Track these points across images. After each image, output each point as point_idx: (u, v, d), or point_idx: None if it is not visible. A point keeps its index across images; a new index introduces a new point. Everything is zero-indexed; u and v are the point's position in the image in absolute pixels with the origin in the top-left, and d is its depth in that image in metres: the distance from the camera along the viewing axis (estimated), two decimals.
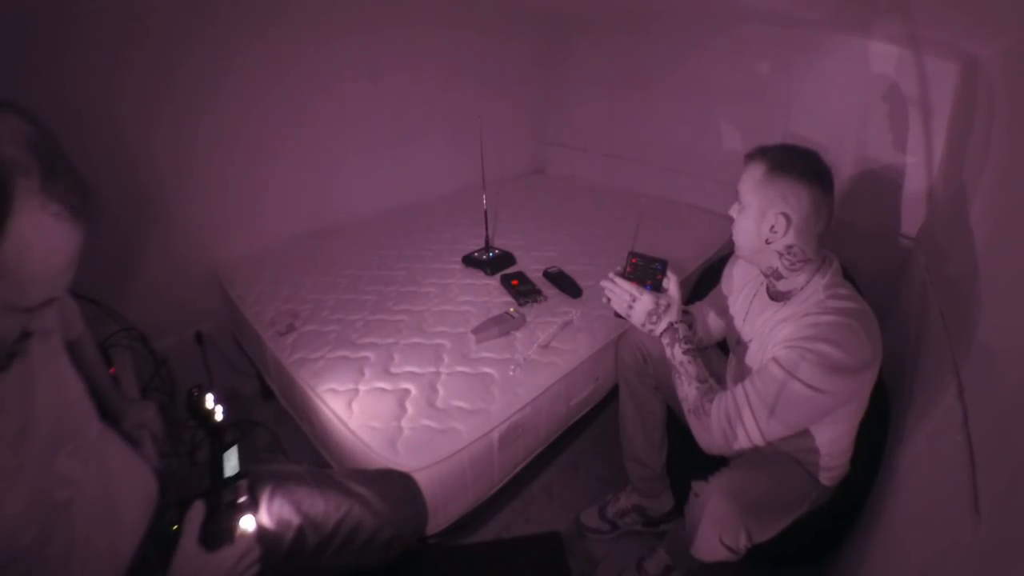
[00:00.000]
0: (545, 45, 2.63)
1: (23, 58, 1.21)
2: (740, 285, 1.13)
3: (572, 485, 1.56)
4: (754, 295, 1.06)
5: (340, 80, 1.90)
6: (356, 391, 1.19)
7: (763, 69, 1.98)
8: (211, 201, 1.68)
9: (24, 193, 0.48)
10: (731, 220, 0.99)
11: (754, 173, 0.92)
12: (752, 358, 1.01)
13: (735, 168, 0.97)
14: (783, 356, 0.86)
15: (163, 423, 0.97)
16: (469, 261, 1.75)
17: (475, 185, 1.83)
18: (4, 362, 0.58)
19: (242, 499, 0.73)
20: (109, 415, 0.91)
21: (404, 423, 1.11)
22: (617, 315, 1.09)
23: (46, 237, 0.50)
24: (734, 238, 1.00)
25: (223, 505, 0.71)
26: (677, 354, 1.02)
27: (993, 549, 0.54)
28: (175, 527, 0.68)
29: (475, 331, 1.36)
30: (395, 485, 0.99)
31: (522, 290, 1.55)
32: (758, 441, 0.88)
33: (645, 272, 1.07)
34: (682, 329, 1.05)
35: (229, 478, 0.73)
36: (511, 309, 1.44)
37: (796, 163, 0.90)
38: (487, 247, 1.78)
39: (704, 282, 1.75)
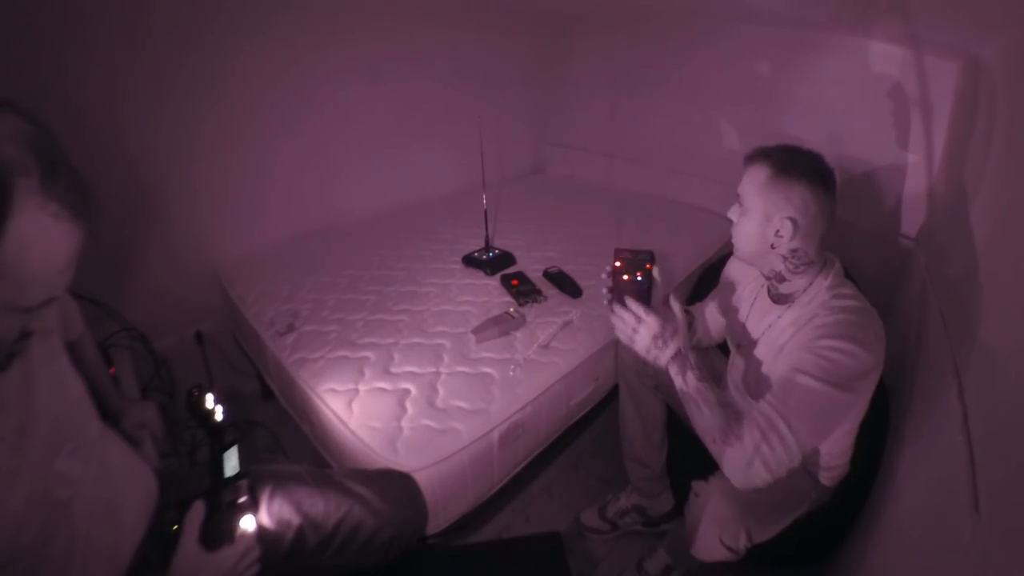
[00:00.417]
0: (545, 45, 2.63)
1: (23, 58, 1.21)
2: (740, 287, 1.12)
3: (572, 485, 1.56)
4: (755, 298, 1.06)
5: (341, 80, 1.90)
6: (356, 391, 1.19)
7: (763, 69, 1.98)
8: (211, 201, 1.69)
9: (24, 193, 0.48)
10: (730, 222, 0.98)
11: (757, 176, 0.91)
12: (756, 363, 1.00)
13: (735, 168, 0.97)
14: (805, 363, 0.83)
15: (163, 423, 0.97)
16: (469, 261, 1.75)
17: (475, 185, 1.83)
18: (4, 362, 0.58)
19: (242, 499, 0.73)
20: (109, 415, 0.91)
21: (404, 423, 1.11)
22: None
23: (46, 237, 0.50)
24: (734, 241, 0.99)
25: (223, 505, 0.71)
26: (691, 382, 0.96)
27: (993, 549, 0.54)
28: (175, 527, 0.68)
29: (475, 331, 1.36)
30: (395, 485, 0.99)
31: (522, 290, 1.55)
32: (797, 457, 0.80)
33: (633, 264, 1.07)
34: (692, 356, 1.02)
35: (229, 478, 0.73)
36: (511, 309, 1.44)
37: (801, 165, 0.89)
38: (487, 247, 1.78)
39: (704, 282, 1.75)
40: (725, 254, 1.07)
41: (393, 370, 1.25)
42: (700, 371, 0.97)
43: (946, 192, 1.41)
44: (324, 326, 1.42)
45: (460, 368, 1.26)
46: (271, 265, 1.70)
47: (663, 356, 1.02)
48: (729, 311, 1.14)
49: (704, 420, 0.91)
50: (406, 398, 1.17)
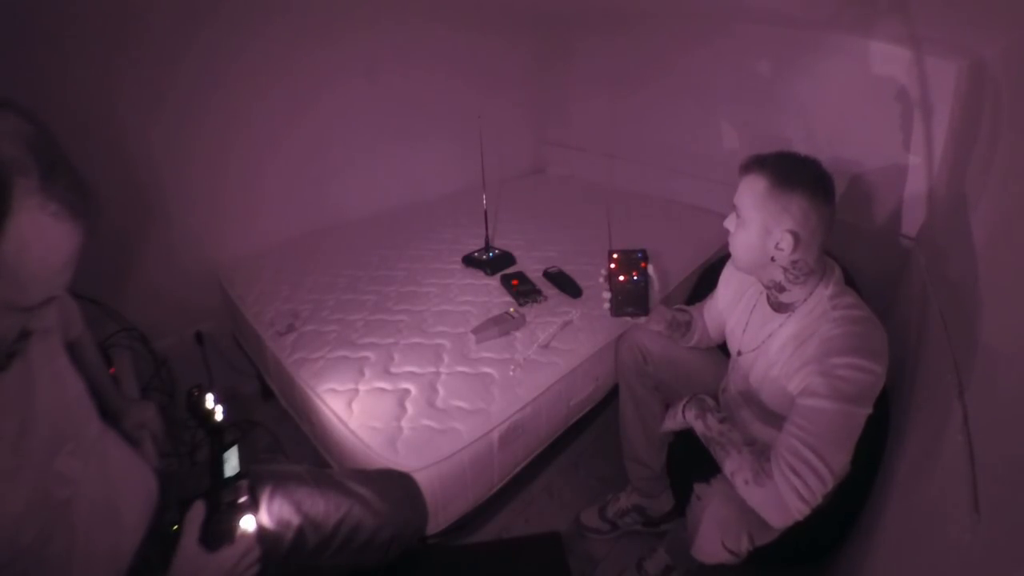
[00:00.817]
0: (545, 45, 2.63)
1: (23, 58, 1.21)
2: (739, 292, 1.11)
3: (572, 485, 1.56)
4: (754, 305, 1.05)
5: (340, 80, 1.90)
6: (356, 391, 1.19)
7: (763, 69, 1.98)
8: (211, 201, 1.69)
9: (23, 192, 0.48)
10: (727, 232, 0.96)
11: (754, 186, 0.89)
12: (757, 371, 0.99)
13: (735, 168, 0.96)
14: (820, 386, 0.81)
15: (163, 423, 0.97)
16: (469, 261, 1.75)
17: (475, 185, 1.83)
18: (4, 362, 0.58)
19: (242, 499, 0.73)
20: (109, 415, 0.91)
21: (404, 423, 1.11)
22: (614, 314, 1.09)
23: (45, 236, 0.50)
24: (732, 252, 0.97)
25: (223, 505, 0.71)
26: (713, 425, 0.96)
27: (993, 549, 0.54)
28: (175, 527, 0.68)
29: (475, 331, 1.36)
30: (395, 485, 0.99)
31: (522, 290, 1.55)
32: (830, 483, 0.79)
33: (628, 264, 1.07)
34: (708, 399, 1.02)
35: (229, 478, 0.73)
36: (511, 309, 1.44)
37: (800, 175, 0.86)
38: (487, 247, 1.78)
39: (704, 282, 1.75)
40: (725, 254, 1.06)
41: (393, 370, 1.25)
42: (721, 413, 0.97)
43: (946, 192, 1.41)
44: (324, 326, 1.42)
45: (460, 368, 1.26)
46: (271, 265, 1.70)
47: (678, 405, 1.02)
48: (728, 316, 1.14)
49: (732, 463, 0.90)
50: (406, 398, 1.17)
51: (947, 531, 0.64)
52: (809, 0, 1.46)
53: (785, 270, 0.91)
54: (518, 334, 1.38)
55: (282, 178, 1.85)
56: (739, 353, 1.07)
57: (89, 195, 0.54)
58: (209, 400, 0.82)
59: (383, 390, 1.20)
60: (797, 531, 0.98)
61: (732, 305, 1.13)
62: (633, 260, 1.07)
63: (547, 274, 1.65)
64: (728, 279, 1.16)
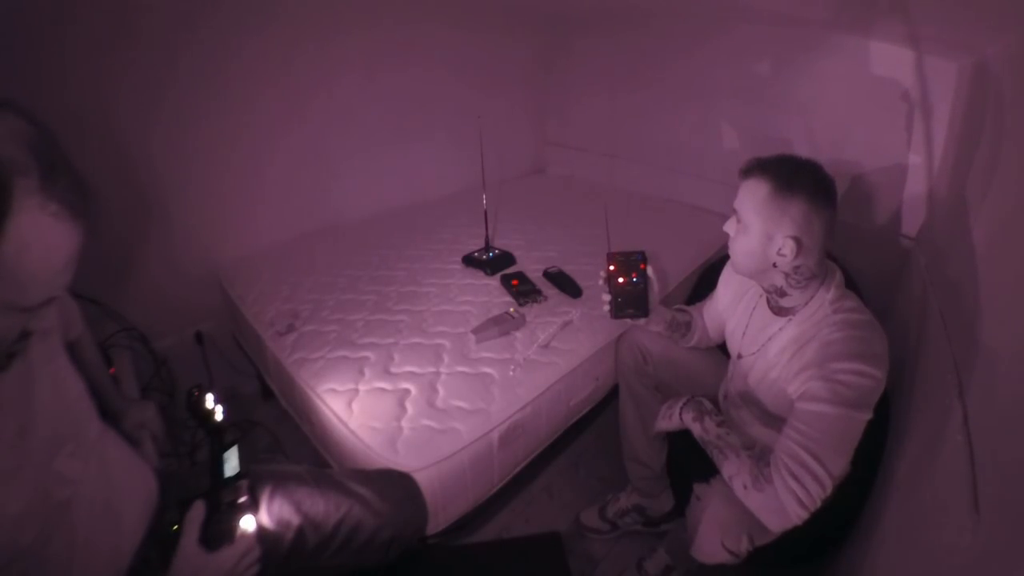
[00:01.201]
0: (545, 45, 2.63)
1: (23, 58, 1.21)
2: (739, 294, 1.11)
3: (572, 485, 1.56)
4: (754, 307, 1.05)
5: (339, 80, 1.90)
6: (356, 391, 1.19)
7: (763, 69, 1.98)
8: (211, 201, 1.68)
9: (23, 193, 0.48)
10: (727, 235, 0.96)
11: (755, 192, 0.88)
12: (756, 375, 0.99)
13: (735, 168, 0.95)
14: (820, 390, 0.81)
15: (163, 423, 0.97)
16: (469, 261, 1.75)
17: (475, 185, 1.83)
18: (4, 362, 0.58)
19: (242, 499, 0.73)
20: (109, 415, 0.91)
21: (404, 423, 1.11)
22: (614, 316, 1.09)
23: (45, 237, 0.50)
24: (732, 257, 0.97)
25: (223, 505, 0.71)
26: (711, 428, 0.96)
27: (993, 549, 0.54)
28: (175, 527, 0.68)
29: (475, 331, 1.36)
30: (395, 485, 0.99)
31: (522, 290, 1.54)
32: (830, 487, 0.79)
33: (627, 266, 1.07)
34: (706, 402, 1.01)
35: (229, 478, 0.73)
36: (511, 309, 1.44)
37: (803, 181, 0.85)
38: (487, 247, 1.78)
39: (704, 282, 1.75)
40: (725, 255, 1.06)
41: (393, 370, 1.25)
42: (720, 417, 0.97)
43: (946, 192, 1.41)
44: (324, 326, 1.42)
45: (460, 368, 1.26)
46: (271, 265, 1.70)
47: (675, 407, 1.02)
48: (728, 317, 1.14)
49: (731, 466, 0.90)
50: (406, 398, 1.17)
51: (947, 531, 0.64)
52: (809, 0, 1.46)
53: (787, 275, 0.90)
54: (518, 334, 1.38)
55: (282, 178, 1.85)
56: (739, 356, 1.07)
57: (89, 195, 0.54)
58: (209, 400, 0.82)
59: (383, 390, 1.20)
60: (797, 531, 0.98)
61: (732, 306, 1.12)
62: (632, 262, 1.07)
63: (547, 274, 1.65)
64: (728, 280, 1.16)
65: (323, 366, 1.27)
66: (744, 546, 0.92)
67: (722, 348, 1.24)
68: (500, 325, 1.37)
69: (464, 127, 1.85)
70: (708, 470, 0.98)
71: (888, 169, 1.73)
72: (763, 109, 2.02)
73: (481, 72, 2.38)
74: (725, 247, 1.00)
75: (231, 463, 0.74)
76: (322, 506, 0.88)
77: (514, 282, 1.58)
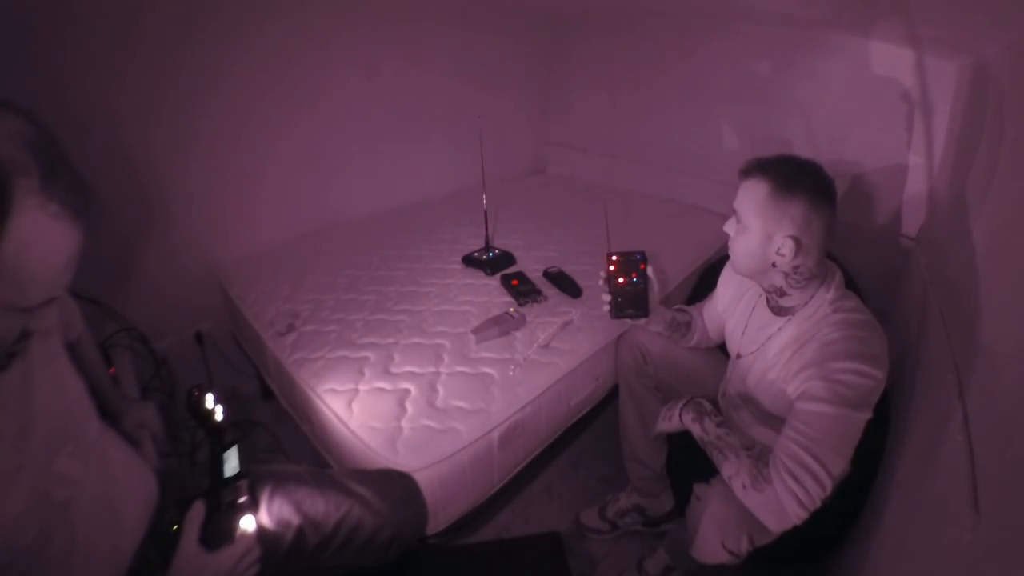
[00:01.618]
0: (545, 45, 2.63)
1: (23, 58, 1.21)
2: (738, 294, 1.11)
3: (572, 485, 1.56)
4: (753, 307, 1.05)
5: (340, 80, 1.90)
6: (356, 391, 1.19)
7: (763, 69, 1.98)
8: (211, 201, 1.68)
9: (23, 193, 0.48)
10: (727, 236, 0.96)
11: (755, 192, 0.88)
12: (755, 375, 0.99)
13: (735, 168, 0.96)
14: (819, 390, 0.81)
15: (163, 423, 0.97)
16: (469, 261, 1.75)
17: (475, 185, 1.83)
18: (4, 362, 0.58)
19: (242, 499, 0.73)
20: (109, 415, 0.91)
21: (404, 423, 1.11)
22: (614, 316, 1.09)
23: (45, 237, 0.50)
24: (732, 257, 0.97)
25: (223, 505, 0.71)
26: (710, 429, 0.96)
27: (993, 549, 0.54)
28: (175, 527, 0.68)
29: (475, 331, 1.36)
30: (395, 485, 0.99)
31: (522, 290, 1.54)
32: (829, 487, 0.79)
33: (627, 266, 1.07)
34: (706, 402, 1.01)
35: (229, 478, 0.73)
36: (511, 309, 1.44)
37: (802, 181, 0.85)
38: (487, 247, 1.78)
39: (704, 282, 1.75)
40: (725, 255, 1.06)
41: (393, 370, 1.25)
42: (719, 417, 0.97)
43: (947, 192, 1.41)
44: (324, 326, 1.42)
45: (460, 368, 1.26)
46: (271, 265, 1.70)
47: (675, 408, 1.02)
48: (728, 317, 1.14)
49: (730, 467, 0.90)
50: (406, 398, 1.17)
51: (947, 531, 0.64)
52: (809, 0, 1.46)
53: (786, 275, 0.90)
54: (518, 334, 1.38)
55: (282, 178, 1.85)
56: (738, 356, 1.07)
57: (89, 196, 0.54)
58: (209, 400, 0.82)
59: (383, 390, 1.20)
60: (797, 531, 0.98)
61: (731, 306, 1.12)
62: (632, 262, 1.07)
63: (547, 274, 1.65)
64: (727, 280, 1.16)
65: (323, 366, 1.27)
66: (744, 546, 0.92)
67: (722, 348, 1.24)
68: (500, 325, 1.37)
69: (464, 127, 1.85)
70: (708, 470, 0.98)
71: (888, 169, 1.73)
72: (763, 109, 2.02)
73: (481, 72, 2.38)
74: (725, 247, 1.00)
75: (231, 463, 0.74)
76: (322, 506, 0.88)
77: (514, 282, 1.58)
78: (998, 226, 0.92)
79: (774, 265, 0.89)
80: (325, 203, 2.02)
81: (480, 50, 2.36)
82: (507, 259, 1.76)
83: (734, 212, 0.93)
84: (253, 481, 0.85)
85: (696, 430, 1.00)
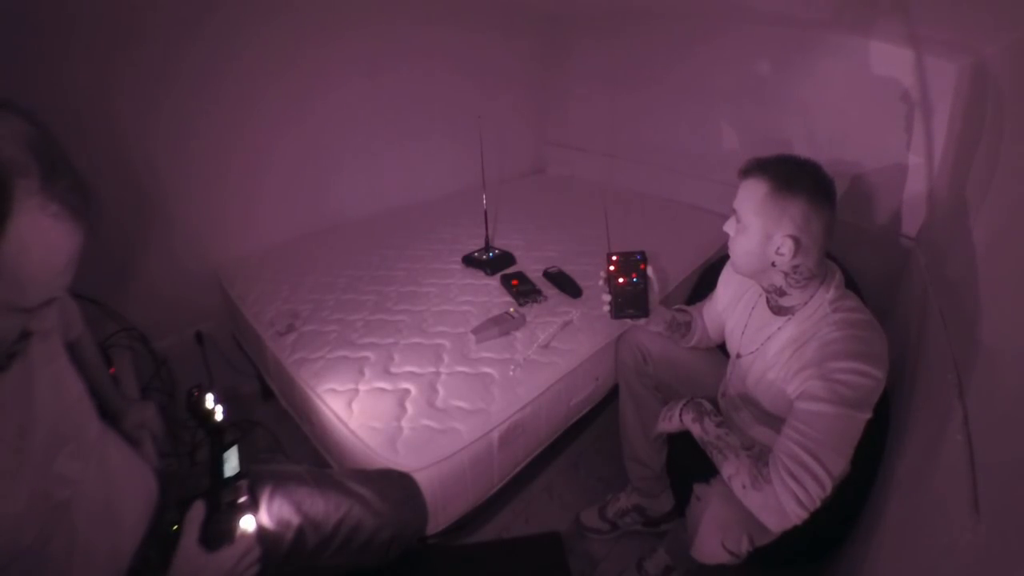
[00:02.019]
0: (545, 44, 2.63)
1: (23, 58, 1.21)
2: (738, 294, 1.11)
3: (572, 485, 1.56)
4: (753, 307, 1.05)
5: (339, 80, 1.90)
6: (356, 391, 1.19)
7: (763, 69, 1.98)
8: (211, 201, 1.68)
9: (24, 193, 0.48)
10: (727, 235, 0.96)
11: (754, 191, 0.88)
12: (755, 374, 0.99)
13: (735, 168, 0.96)
14: (819, 390, 0.81)
15: (163, 423, 0.97)
16: (469, 261, 1.75)
17: (475, 185, 1.83)
18: (4, 362, 0.58)
19: (242, 499, 0.73)
20: (109, 415, 0.91)
21: (404, 423, 1.11)
22: (614, 316, 1.09)
23: (46, 237, 0.50)
24: (732, 256, 0.97)
25: (223, 505, 0.71)
26: (711, 429, 0.96)
27: (993, 549, 0.54)
28: (175, 527, 0.68)
29: (475, 331, 1.36)
30: (395, 485, 0.99)
31: (522, 290, 1.55)
32: (829, 487, 0.79)
33: (627, 266, 1.07)
34: (706, 403, 1.01)
35: (229, 478, 0.73)
36: (511, 309, 1.44)
37: (802, 181, 0.85)
38: (487, 247, 1.78)
39: (704, 282, 1.75)
40: (724, 255, 1.06)
41: (393, 370, 1.25)
42: (719, 417, 0.97)
43: (947, 192, 1.41)
44: (324, 326, 1.42)
45: (460, 368, 1.26)
46: (271, 265, 1.70)
47: (675, 408, 1.01)
48: (728, 317, 1.14)
49: (730, 467, 0.90)
50: (406, 398, 1.17)
51: (947, 531, 0.64)
52: (809, 0, 1.46)
53: (786, 275, 0.90)
54: (518, 334, 1.38)
55: (282, 178, 1.85)
56: (738, 356, 1.07)
57: (90, 196, 0.54)
58: (209, 400, 0.82)
59: (383, 390, 1.20)
60: (797, 531, 0.98)
61: (731, 306, 1.12)
62: (632, 262, 1.07)
63: (547, 274, 1.65)
64: (727, 280, 1.16)
65: (323, 366, 1.27)
66: (744, 546, 0.92)
67: (722, 348, 1.24)
68: (500, 325, 1.37)
69: (464, 127, 1.85)
70: (708, 470, 0.98)
71: (888, 169, 1.73)
72: (763, 109, 2.02)
73: (481, 72, 2.38)
74: (725, 247, 1.00)
75: (231, 463, 0.74)
76: (322, 506, 0.88)
77: (514, 282, 1.58)
78: (998, 226, 0.92)
79: (774, 264, 0.89)
80: (325, 203, 2.02)
81: (480, 50, 2.36)
82: (507, 259, 1.76)
83: (734, 212, 0.93)
84: (253, 481, 0.85)
85: (696, 430, 1.00)
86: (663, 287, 1.55)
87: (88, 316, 0.94)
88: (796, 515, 0.80)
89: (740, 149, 2.14)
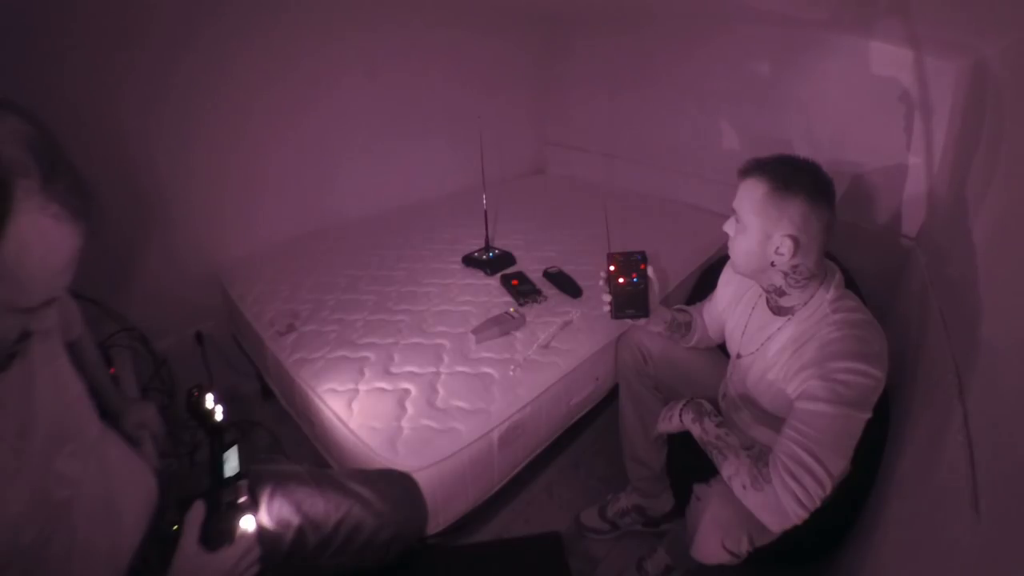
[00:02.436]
0: (545, 45, 2.63)
1: (23, 58, 1.21)
2: (738, 294, 1.11)
3: (572, 485, 1.56)
4: (753, 307, 1.05)
5: (340, 80, 1.90)
6: (356, 391, 1.19)
7: (763, 69, 1.98)
8: (211, 201, 1.69)
9: (24, 194, 0.48)
10: (727, 235, 0.96)
11: (753, 191, 0.88)
12: (755, 375, 0.99)
13: (734, 168, 0.96)
14: (819, 389, 0.81)
15: (163, 423, 0.97)
16: (469, 261, 1.75)
17: (475, 185, 1.83)
18: (4, 362, 0.58)
19: (242, 499, 0.73)
20: (109, 415, 0.91)
21: (404, 423, 1.11)
22: (614, 316, 1.09)
23: (45, 238, 0.50)
24: (732, 256, 0.97)
25: (223, 505, 0.71)
26: (710, 429, 0.96)
27: (993, 549, 0.54)
28: (175, 527, 0.68)
29: (475, 331, 1.36)
30: (395, 485, 0.99)
31: (522, 290, 1.55)
32: (829, 487, 0.79)
33: (627, 267, 1.07)
34: (706, 403, 1.02)
35: (229, 478, 0.73)
36: (511, 309, 1.44)
37: (800, 181, 0.85)
38: (487, 247, 1.78)
39: (704, 282, 1.75)
40: (724, 255, 1.06)
41: (393, 370, 1.25)
42: (719, 418, 0.97)
43: (946, 192, 1.41)
44: (324, 326, 1.42)
45: (460, 368, 1.26)
46: (271, 265, 1.70)
47: (675, 408, 1.01)
48: (728, 317, 1.14)
49: (730, 467, 0.90)
50: (406, 398, 1.17)
51: (947, 531, 0.64)
52: (809, 0, 1.46)
53: (785, 275, 0.90)
54: (518, 334, 1.38)
55: (282, 178, 1.85)
56: (738, 356, 1.07)
57: (90, 196, 0.54)
58: (209, 400, 0.82)
59: (383, 390, 1.20)
60: (797, 531, 0.98)
61: (731, 307, 1.12)
62: (632, 262, 1.07)
63: (547, 274, 1.65)
64: (727, 280, 1.16)
65: (323, 366, 1.27)
66: (744, 546, 0.92)
67: (722, 348, 1.24)
68: (500, 325, 1.37)
69: (464, 127, 1.85)
70: (708, 470, 0.98)
71: (888, 169, 1.73)
72: (763, 109, 2.02)
73: (481, 72, 2.39)
74: (725, 247, 1.00)
75: (231, 463, 0.74)
76: (322, 506, 0.88)
77: (514, 282, 1.58)
78: (998, 226, 0.92)
79: (773, 264, 0.89)
80: (325, 203, 2.02)
81: (480, 50, 2.36)
82: (507, 259, 1.76)
83: (733, 212, 0.94)
84: (253, 481, 0.85)
85: (696, 430, 1.00)
86: (663, 287, 1.55)
87: (88, 316, 0.94)
88: (796, 515, 0.80)
89: (740, 149, 2.14)
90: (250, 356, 1.63)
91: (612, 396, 1.47)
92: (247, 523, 0.72)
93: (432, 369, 1.26)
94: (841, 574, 1.03)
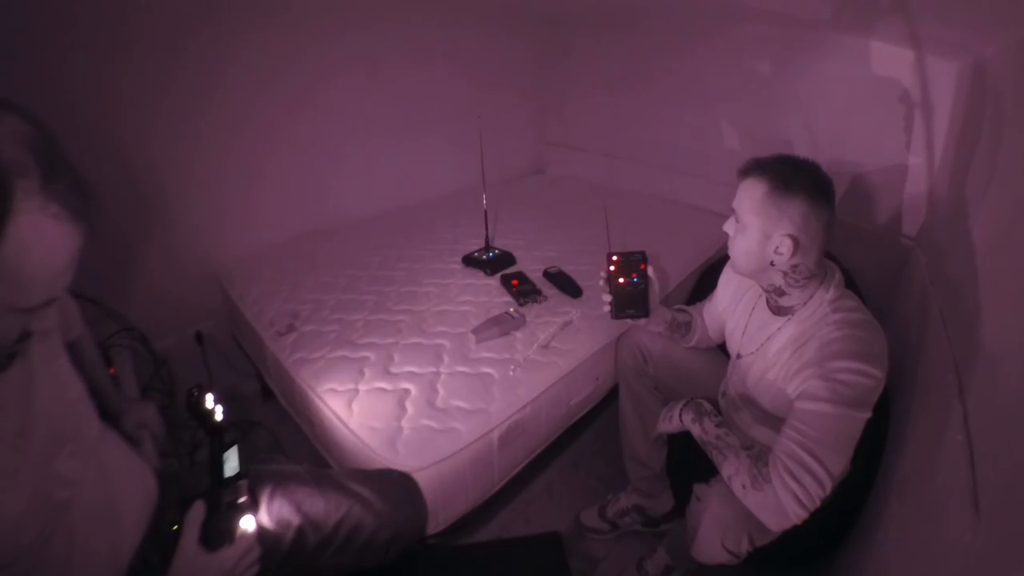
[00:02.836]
0: (545, 44, 2.63)
1: (23, 58, 1.21)
2: (738, 294, 1.11)
3: (572, 485, 1.56)
4: (753, 307, 1.05)
5: (340, 80, 1.90)
6: (356, 391, 1.19)
7: (763, 69, 1.98)
8: (211, 201, 1.69)
9: (24, 194, 0.48)
10: (727, 235, 0.96)
11: (753, 191, 0.88)
12: (755, 375, 0.99)
13: (734, 168, 0.96)
14: (819, 389, 0.81)
15: (163, 423, 0.97)
16: (469, 261, 1.75)
17: (475, 185, 1.83)
18: (4, 362, 0.58)
19: (242, 499, 0.73)
20: (109, 415, 0.91)
21: (404, 423, 1.11)
22: (615, 316, 1.10)
23: (45, 238, 0.50)
24: (732, 256, 0.97)
25: (223, 505, 0.71)
26: (710, 429, 0.96)
27: (993, 549, 0.54)
28: (175, 527, 0.68)
29: (475, 331, 1.36)
30: (395, 485, 0.99)
31: (522, 290, 1.55)
32: (829, 487, 0.79)
33: (627, 267, 1.07)
34: (706, 403, 1.02)
35: (229, 478, 0.73)
36: (511, 309, 1.44)
37: (800, 180, 0.85)
38: (487, 247, 1.78)
39: (704, 282, 1.75)
40: (724, 255, 1.06)
41: (393, 370, 1.25)
42: (719, 418, 0.97)
43: (946, 192, 1.41)
44: (324, 326, 1.42)
45: (460, 368, 1.26)
46: (271, 265, 1.70)
47: (675, 408, 1.02)
48: (728, 317, 1.14)
49: (730, 467, 0.90)
50: (406, 398, 1.17)
51: (947, 531, 0.64)
52: (809, 0, 1.46)
53: (785, 274, 0.90)
54: (518, 334, 1.38)
55: (282, 178, 1.85)
56: (739, 356, 1.07)
57: (90, 196, 0.54)
58: (209, 400, 0.82)
59: (383, 390, 1.20)
60: (797, 531, 0.98)
61: (732, 307, 1.12)
62: (632, 262, 1.07)
63: (547, 274, 1.65)
64: (727, 281, 1.16)
65: (323, 366, 1.27)
66: (744, 546, 0.92)
67: (722, 348, 1.24)
68: (500, 325, 1.37)
69: (464, 127, 1.85)
70: (708, 470, 0.98)
71: (888, 169, 1.73)
72: (763, 109, 2.02)
73: (481, 72, 2.38)
74: (725, 247, 1.00)
75: (231, 463, 0.74)
76: (322, 506, 0.89)
77: (514, 282, 1.58)
78: (998, 226, 0.92)
79: (773, 264, 0.89)
80: (325, 203, 2.02)
81: (480, 50, 2.36)
82: (507, 259, 1.76)
83: (733, 212, 0.94)
84: (253, 481, 0.85)
85: (696, 430, 1.00)
86: (663, 287, 1.55)
87: (88, 316, 0.94)
88: (796, 515, 0.80)
89: (740, 149, 2.14)
90: (250, 356, 1.63)
91: (612, 396, 1.47)
92: (247, 523, 0.72)
93: (432, 369, 1.26)
94: (841, 574, 1.03)
